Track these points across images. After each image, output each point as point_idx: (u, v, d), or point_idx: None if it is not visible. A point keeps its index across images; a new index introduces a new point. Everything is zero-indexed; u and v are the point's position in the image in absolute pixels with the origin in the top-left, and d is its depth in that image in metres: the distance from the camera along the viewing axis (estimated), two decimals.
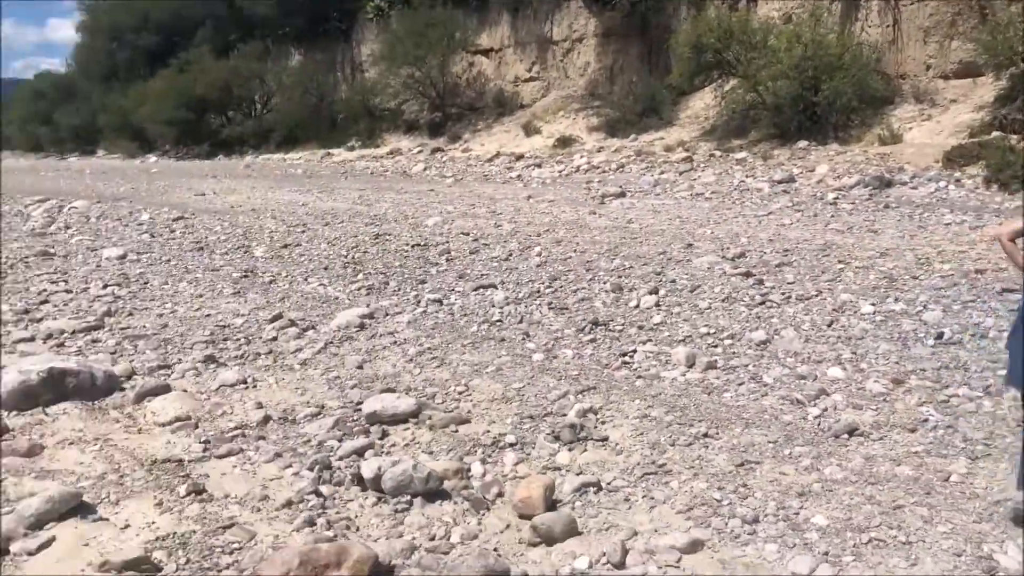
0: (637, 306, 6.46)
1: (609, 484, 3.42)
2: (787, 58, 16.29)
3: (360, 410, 4.30)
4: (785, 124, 16.66)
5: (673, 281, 7.18)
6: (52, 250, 10.11)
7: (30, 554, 2.97)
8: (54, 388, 4.58)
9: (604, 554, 2.87)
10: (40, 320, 6.56)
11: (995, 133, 13.43)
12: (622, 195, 13.77)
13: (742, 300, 6.43)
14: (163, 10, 37.41)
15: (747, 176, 14.89)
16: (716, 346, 5.38)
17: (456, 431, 4.06)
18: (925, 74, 16.46)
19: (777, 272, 7.28)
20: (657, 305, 6.43)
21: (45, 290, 7.73)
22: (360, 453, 3.80)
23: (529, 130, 24.62)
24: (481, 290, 7.27)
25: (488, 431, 4.05)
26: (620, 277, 7.50)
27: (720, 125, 18.95)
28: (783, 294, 6.49)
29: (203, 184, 20.13)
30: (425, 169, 22.80)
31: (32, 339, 5.96)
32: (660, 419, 4.14)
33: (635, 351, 5.29)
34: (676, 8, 21.44)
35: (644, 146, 20.79)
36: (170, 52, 36.42)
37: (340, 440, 3.98)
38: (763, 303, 6.32)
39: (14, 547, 3.01)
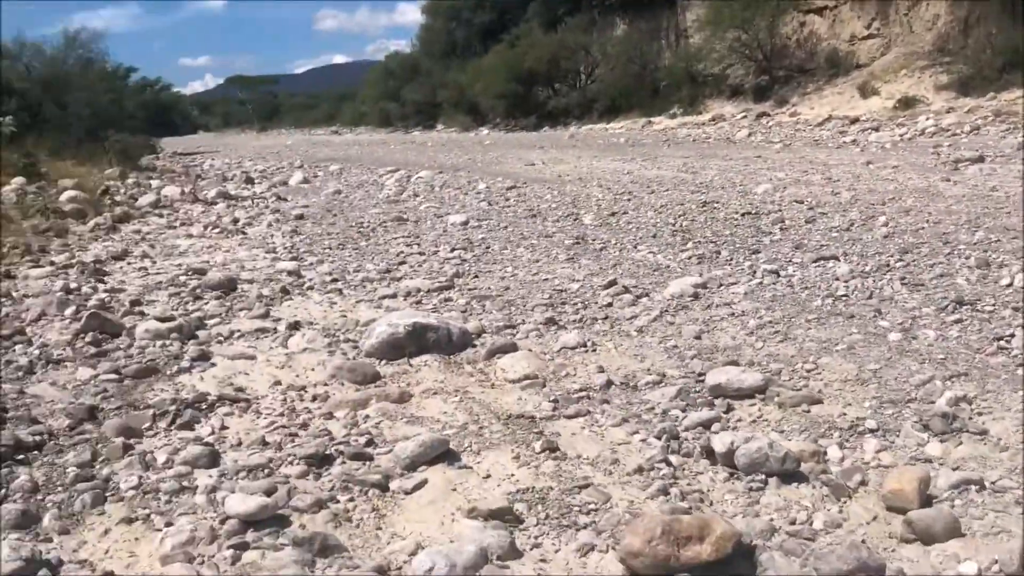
0: (1010, 284, 5.74)
1: (994, 484, 3.04)
2: None
3: (703, 381, 4.21)
4: None
5: None
6: (405, 216, 11.04)
7: (406, 493, 3.23)
8: (417, 341, 4.97)
9: (996, 561, 2.55)
10: (400, 279, 7.18)
11: None
12: (980, 160, 12.36)
13: None
14: None
15: None
16: None
17: (808, 411, 3.84)
18: None
19: None
20: None
21: (402, 252, 8.46)
22: (706, 426, 3.71)
23: (865, 91, 22.93)
24: (821, 262, 6.86)
25: (844, 414, 3.78)
26: (986, 252, 6.72)
27: None
28: None
29: (531, 155, 21.00)
30: (749, 135, 22.05)
31: (395, 296, 6.54)
32: None
33: (1013, 335, 4.68)
34: None
35: (1004, 105, 18.57)
36: (503, 28, 38.33)
37: (684, 411, 3.92)
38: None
39: (393, 485, 3.29)
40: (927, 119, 19.00)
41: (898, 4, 22.92)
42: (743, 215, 9.41)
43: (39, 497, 3.20)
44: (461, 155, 23.12)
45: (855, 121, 20.96)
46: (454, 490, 3.24)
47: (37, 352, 5.00)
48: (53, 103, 20.84)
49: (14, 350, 5.05)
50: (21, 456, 3.53)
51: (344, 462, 3.50)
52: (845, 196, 10.02)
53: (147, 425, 3.92)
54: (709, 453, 3.41)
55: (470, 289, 6.74)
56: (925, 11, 22.37)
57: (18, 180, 13.23)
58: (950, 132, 17.13)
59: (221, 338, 5.42)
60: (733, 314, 5.54)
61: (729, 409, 3.94)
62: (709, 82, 28.19)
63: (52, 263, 7.88)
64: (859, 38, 24.18)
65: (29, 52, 22.53)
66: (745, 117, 25.39)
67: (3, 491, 3.22)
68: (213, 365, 4.86)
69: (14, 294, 6.57)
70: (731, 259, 7.35)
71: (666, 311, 5.71)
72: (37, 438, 3.70)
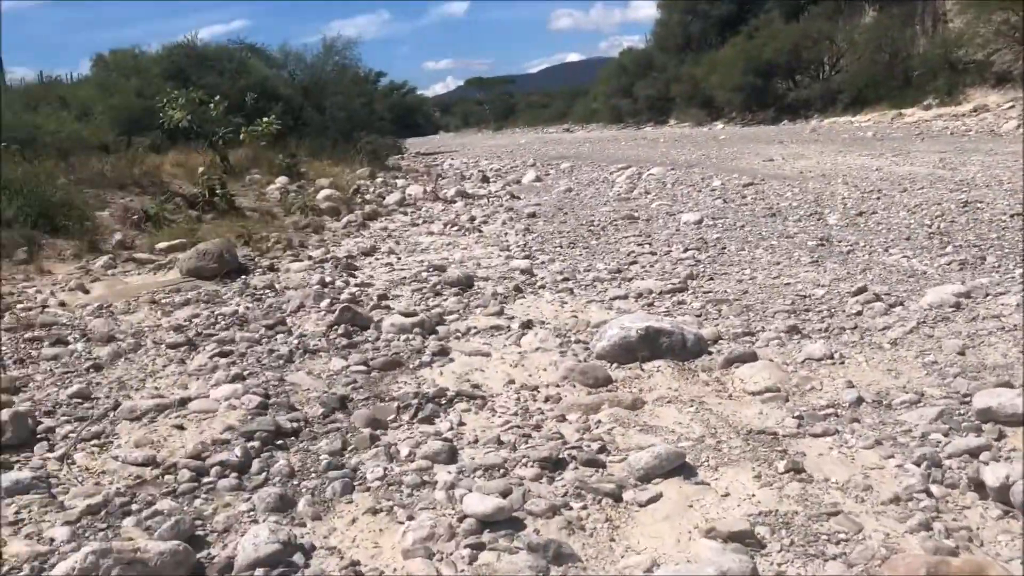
0: None
1: None
2: None
3: (968, 403, 3.80)
4: None
5: None
6: (636, 214, 10.94)
7: (640, 505, 3.14)
8: (650, 345, 4.86)
9: None
10: (631, 280, 7.10)
11: None
12: None
13: None
14: None
15: None
16: None
17: None
18: None
19: None
20: None
21: (633, 251, 8.37)
22: (974, 454, 3.34)
23: None
24: None
25: None
26: None
27: None
28: None
29: (770, 150, 20.19)
30: (1019, 127, 19.96)
31: (626, 297, 6.46)
32: None
33: None
34: None
35: None
36: (742, 20, 37.16)
37: (946, 435, 3.56)
38: None
39: (626, 496, 3.22)
40: None
41: None
42: (1012, 216, 8.50)
43: (295, 482, 3.41)
44: (694, 150, 22.64)
45: None
46: (691, 506, 3.11)
47: (295, 342, 5.38)
48: (313, 107, 22.57)
49: (276, 339, 5.47)
50: (280, 441, 3.80)
51: (577, 468, 3.48)
52: None
53: (391, 417, 4.10)
54: (978, 486, 3.07)
55: (705, 292, 6.53)
56: None
57: (281, 179, 14.43)
58: None
59: (459, 334, 5.59)
60: (1003, 328, 4.98)
61: (1001, 436, 3.53)
62: (971, 70, 25.80)
63: (310, 257, 8.49)
64: None
65: (292, 60, 24.53)
66: (1013, 107, 23.01)
67: (264, 475, 3.47)
68: (451, 360, 5.01)
69: (276, 286, 7.13)
70: (999, 266, 6.64)
71: (924, 322, 5.24)
72: (295, 424, 3.96)
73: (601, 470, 3.46)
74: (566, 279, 7.22)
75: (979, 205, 9.35)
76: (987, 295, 5.78)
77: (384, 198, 14.01)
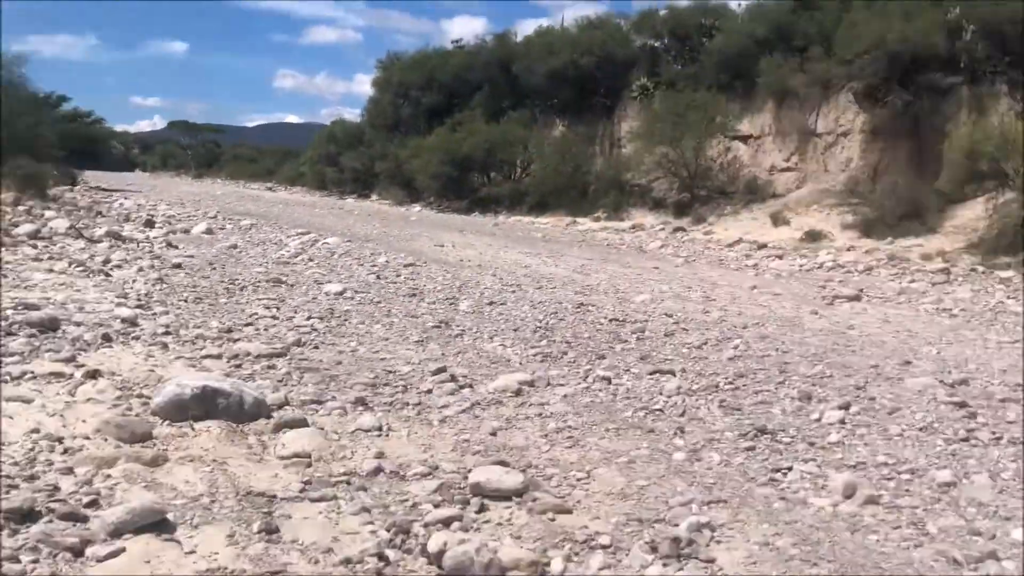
0: (819, 419, 5.84)
1: None
2: None
3: (467, 478, 4.15)
4: None
5: (872, 399, 6.45)
6: (285, 279, 10.92)
7: (98, 560, 3.07)
8: (205, 405, 4.82)
9: None
10: (236, 341, 7.03)
11: None
12: (856, 298, 12.77)
13: (943, 432, 5.63)
14: (447, 73, 40.20)
15: (1009, 297, 13.35)
16: (890, 479, 4.70)
17: (553, 520, 3.79)
18: None
19: (999, 408, 6.32)
20: (842, 422, 5.78)
21: (256, 314, 8.31)
22: (447, 523, 3.64)
23: (777, 220, 23.74)
24: (657, 375, 6.92)
25: (586, 526, 3.75)
26: (814, 385, 6.85)
27: (989, 239, 17.18)
28: (994, 433, 5.60)
29: (447, 236, 21.10)
30: (661, 247, 22.54)
31: (219, 357, 6.38)
32: (783, 551, 3.64)
33: (791, 468, 4.74)
34: (955, 112, 19.94)
35: (899, 251, 19.34)
36: (448, 111, 38.96)
37: (437, 506, 3.85)
38: (966, 439, 5.49)
39: (89, 551, 3.13)
40: (828, 254, 19.68)
41: (816, 143, 23.98)
42: (610, 320, 9.50)
43: None
44: (380, 227, 23.13)
45: (763, 247, 21.59)
46: (148, 562, 3.09)
47: None
48: None
49: None
50: None
51: (52, 520, 3.33)
52: (715, 315, 10.21)
53: None
54: (428, 552, 3.33)
55: (301, 359, 6.62)
56: (840, 153, 23.42)
57: None
58: (845, 269, 17.74)
59: (8, 377, 5.19)
60: (541, 415, 5.52)
61: (482, 509, 3.88)
62: (635, 192, 28.90)
63: None
64: (778, 169, 25.16)
65: None
66: (663, 229, 26.00)
67: None
68: None
69: None
70: (574, 361, 7.38)
71: (479, 403, 5.67)
72: None
73: (79, 524, 3.34)
74: (168, 333, 7.00)
75: (590, 308, 10.36)
76: (548, 384, 6.38)
77: (16, 227, 12.85)
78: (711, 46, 26.42)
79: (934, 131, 19.92)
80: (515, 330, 8.71)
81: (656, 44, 29.67)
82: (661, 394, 6.34)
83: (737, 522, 3.92)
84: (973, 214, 18.70)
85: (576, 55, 30.98)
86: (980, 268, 16.10)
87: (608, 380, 6.66)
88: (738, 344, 8.41)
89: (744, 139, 26.73)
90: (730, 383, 6.80)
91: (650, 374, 6.96)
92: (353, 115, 77.72)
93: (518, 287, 12.06)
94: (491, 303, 10.36)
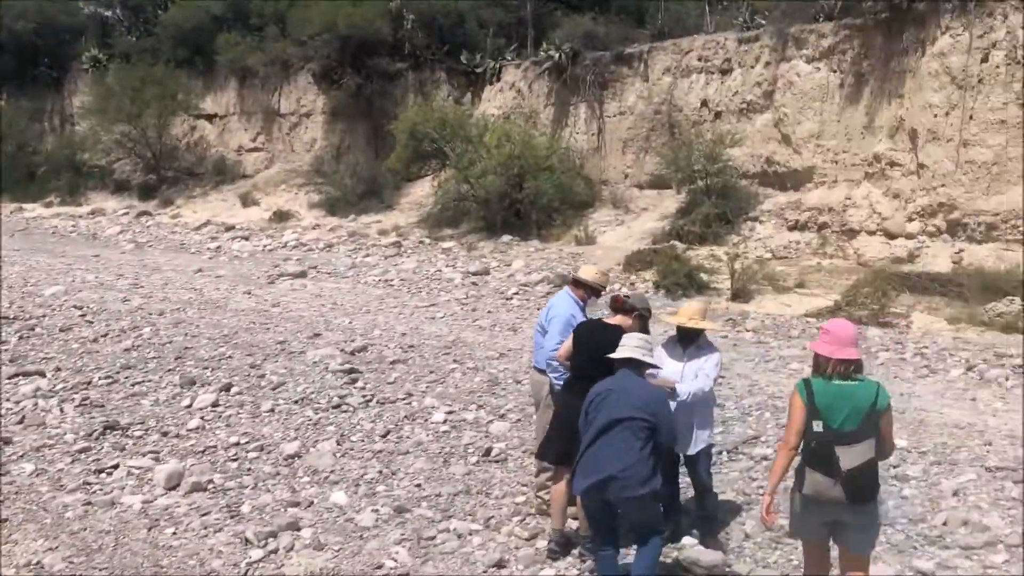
0: (189, 406, 5.45)
1: None
2: (496, 155, 16.33)
3: None
4: (492, 218, 16.60)
5: (262, 375, 6.25)
6: None
7: None
8: None
9: None
10: None
11: (673, 242, 13.90)
12: (302, 275, 12.84)
13: (317, 402, 5.60)
14: None
15: (447, 266, 14.53)
16: (235, 460, 4.46)
17: None
18: (623, 182, 17.03)
19: (388, 370, 6.56)
20: (214, 406, 5.46)
21: None
22: None
23: (247, 201, 23.36)
24: (19, 378, 5.97)
25: None
26: (206, 369, 6.47)
27: (435, 214, 18.64)
28: (366, 397, 5.73)
29: None
30: (121, 232, 20.82)
31: None
32: (50, 566, 3.11)
33: (116, 467, 4.24)
34: (404, 94, 21.26)
35: (360, 228, 20.16)
36: None
37: None
38: (339, 406, 5.52)
39: None
40: (293, 233, 19.78)
41: (281, 123, 23.94)
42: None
43: None
44: None
45: (231, 228, 21.02)
46: None
47: None
48: None
49: None
50: None
51: None
52: (135, 303, 9.39)
53: None
54: None
55: None
56: (304, 133, 23.66)
57: None
58: (307, 247, 17.91)
59: None
60: None
61: None
62: (94, 174, 26.31)
63: None
64: (246, 149, 24.66)
65: None
66: (127, 214, 24.05)
67: None
68: None
69: None
70: None
71: None
72: None
73: None
74: None
75: None
76: None
77: None
78: (166, 19, 24.96)
79: (386, 114, 21.01)
80: None
81: (107, 13, 27.26)
82: (9, 400, 5.42)
83: (8, 542, 3.30)
84: (423, 191, 20.17)
85: (10, 20, 27.17)
86: (427, 240, 17.38)
87: None
88: (144, 333, 7.75)
89: (209, 118, 25.81)
90: (108, 378, 6.11)
91: (10, 377, 5.97)
92: None
93: None
94: None
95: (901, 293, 9.94)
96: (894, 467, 4.72)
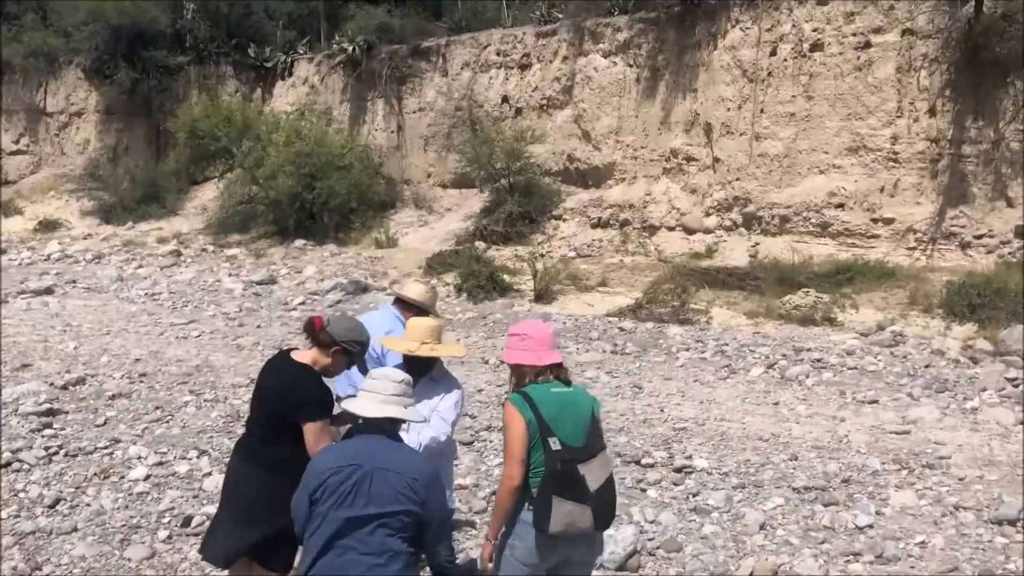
0: None
1: None
2: (284, 153, 15.02)
3: None
4: (284, 222, 15.29)
5: None
6: None
7: None
8: None
9: None
10: None
11: (476, 243, 13.17)
12: (47, 292, 11.16)
13: None
14: None
15: (230, 275, 13.15)
16: None
17: None
18: (426, 181, 16.16)
19: (103, 408, 5.34)
20: None
21: None
22: None
23: (9, 210, 20.77)
24: None
25: None
26: None
27: (221, 219, 17.06)
28: (51, 449, 4.52)
29: None
30: None
31: None
32: None
33: None
34: (186, 90, 19.41)
35: (138, 236, 18.22)
36: None
37: None
38: (8, 464, 4.29)
39: None
40: (58, 244, 17.65)
41: (48, 123, 21.49)
42: None
43: None
44: None
45: None
46: None
47: None
48: None
49: None
50: None
51: None
52: None
53: None
54: None
55: None
56: (76, 134, 21.32)
57: None
58: (73, 259, 15.84)
59: None
60: None
61: None
62: None
63: None
64: (8, 152, 21.99)
65: None
66: None
67: None
68: None
69: None
70: None
71: None
72: None
73: None
74: None
75: None
76: None
77: None
78: None
79: (167, 111, 19.17)
80: None
81: None
82: None
83: None
84: (210, 195, 18.49)
85: None
86: (211, 247, 15.85)
87: None
88: None
89: None
90: None
91: None
92: None
93: None
94: None
95: (700, 288, 9.61)
96: (693, 496, 4.06)
